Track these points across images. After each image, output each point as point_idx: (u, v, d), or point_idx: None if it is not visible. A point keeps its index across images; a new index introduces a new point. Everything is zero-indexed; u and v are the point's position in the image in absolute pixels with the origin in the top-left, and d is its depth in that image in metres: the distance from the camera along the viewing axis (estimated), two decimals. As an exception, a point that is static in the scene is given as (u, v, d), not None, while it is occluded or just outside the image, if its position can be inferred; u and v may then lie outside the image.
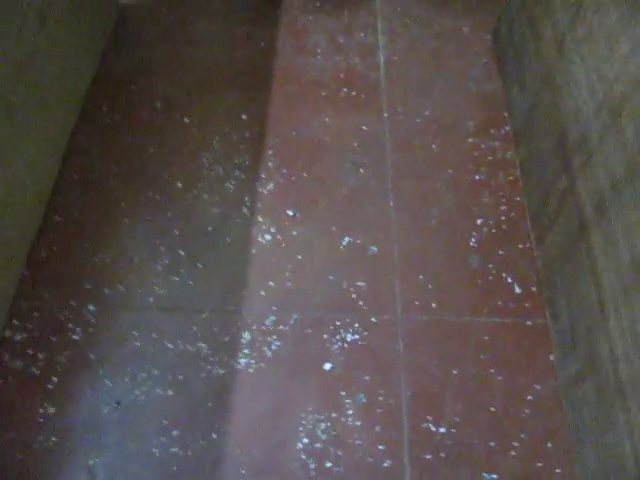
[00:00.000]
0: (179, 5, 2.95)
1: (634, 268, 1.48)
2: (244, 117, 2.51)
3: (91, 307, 2.04)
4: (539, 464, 1.79)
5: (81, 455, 1.80)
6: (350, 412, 1.86)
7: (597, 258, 1.68)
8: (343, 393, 1.90)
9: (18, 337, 1.98)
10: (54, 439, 1.82)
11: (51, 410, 1.87)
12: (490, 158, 2.40)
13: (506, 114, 2.52)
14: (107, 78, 2.65)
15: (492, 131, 2.48)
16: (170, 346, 1.97)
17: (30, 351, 1.96)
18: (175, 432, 1.83)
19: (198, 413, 1.86)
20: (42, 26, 2.13)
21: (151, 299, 2.06)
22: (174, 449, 1.81)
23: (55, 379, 1.92)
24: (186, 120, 2.51)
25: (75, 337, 1.99)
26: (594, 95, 1.74)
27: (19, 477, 1.76)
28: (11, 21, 1.95)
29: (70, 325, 2.01)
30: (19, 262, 2.09)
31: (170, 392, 1.89)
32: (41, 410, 1.87)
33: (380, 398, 1.89)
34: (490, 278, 2.11)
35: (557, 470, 1.78)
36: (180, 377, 1.92)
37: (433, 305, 2.06)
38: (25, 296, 2.06)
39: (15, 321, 2.01)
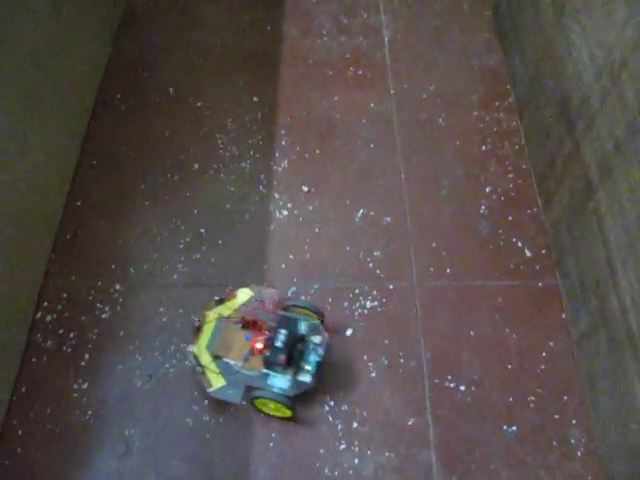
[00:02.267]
0: (186, -8, 3.03)
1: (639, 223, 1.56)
2: (255, 99, 2.58)
3: (118, 286, 2.11)
4: (556, 416, 1.87)
5: (117, 427, 1.87)
6: (373, 375, 1.94)
7: (603, 216, 1.75)
8: (365, 357, 1.97)
9: (49, 318, 2.05)
10: (90, 412, 1.89)
11: (85, 385, 1.94)
12: (495, 129, 2.47)
13: (509, 86, 2.60)
14: (119, 66, 2.71)
15: (496, 103, 2.55)
16: (196, 320, 2.03)
17: (61, 331, 2.03)
18: (206, 401, 1.90)
19: (227, 382, 1.94)
20: (56, 14, 2.19)
21: (175, 276, 2.13)
22: (206, 417, 1.88)
23: (87, 356, 1.99)
24: (199, 104, 2.57)
25: (104, 315, 2.06)
26: (594, 60, 1.80)
27: (58, 449, 1.83)
28: (26, 9, 2.01)
29: (98, 304, 2.08)
30: (46, 247, 2.16)
31: (199, 363, 1.97)
32: (75, 386, 1.94)
33: (401, 360, 1.96)
34: (501, 243, 2.19)
35: (573, 421, 1.86)
36: (208, 348, 1.99)
37: (447, 271, 2.13)
38: (53, 279, 2.13)
39: (45, 303, 2.08)
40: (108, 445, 1.84)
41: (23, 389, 1.93)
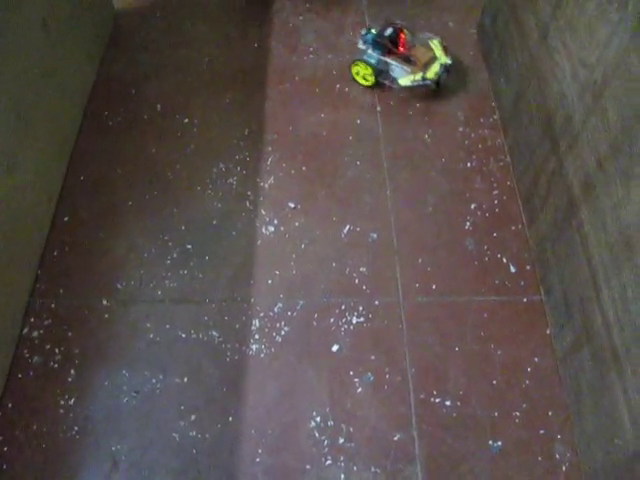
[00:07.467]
0: (172, 10, 3.05)
1: (622, 239, 1.57)
2: (242, 115, 2.60)
3: (104, 302, 2.12)
4: (541, 431, 1.89)
5: (104, 443, 1.87)
6: (359, 390, 1.95)
7: (587, 233, 1.77)
8: (351, 373, 1.98)
9: (35, 334, 2.05)
10: (76, 428, 1.89)
11: (71, 402, 1.93)
12: (480, 146, 2.50)
13: (493, 103, 2.63)
14: (107, 83, 2.73)
15: (481, 120, 2.58)
16: (183, 335, 2.05)
17: (48, 346, 2.03)
18: (193, 417, 1.91)
19: (214, 398, 1.94)
20: (45, 31, 2.21)
21: (163, 292, 2.14)
22: (192, 433, 1.88)
23: (73, 372, 1.99)
24: (186, 120, 2.59)
25: (90, 331, 2.06)
26: (577, 80, 1.83)
27: (45, 465, 1.83)
28: (15, 26, 2.02)
29: (85, 319, 2.08)
30: (33, 262, 2.16)
31: (186, 379, 1.97)
32: (62, 402, 1.93)
33: (387, 376, 1.97)
34: (486, 259, 2.21)
35: (558, 436, 1.88)
36: (195, 364, 2.00)
37: (433, 286, 2.15)
38: (40, 294, 2.13)
39: (32, 319, 2.08)
40: (95, 461, 1.84)
41: (9, 405, 1.93)
